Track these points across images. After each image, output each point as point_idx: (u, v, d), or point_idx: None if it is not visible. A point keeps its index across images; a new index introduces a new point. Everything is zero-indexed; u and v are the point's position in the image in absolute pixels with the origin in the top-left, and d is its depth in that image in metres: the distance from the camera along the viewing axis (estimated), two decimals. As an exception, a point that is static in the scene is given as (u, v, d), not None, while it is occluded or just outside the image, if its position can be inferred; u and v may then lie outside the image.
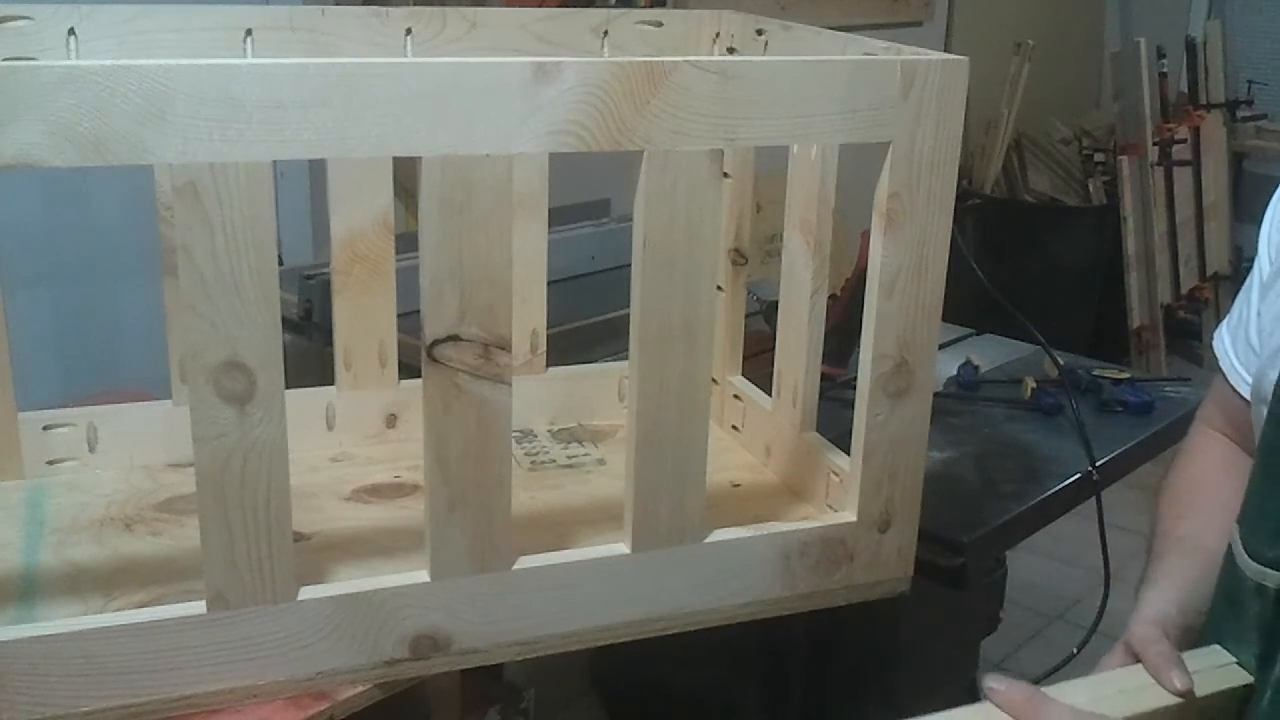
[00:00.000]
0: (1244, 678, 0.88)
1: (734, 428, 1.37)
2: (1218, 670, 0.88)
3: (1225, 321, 1.03)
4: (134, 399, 1.26)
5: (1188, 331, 4.20)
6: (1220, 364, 1.03)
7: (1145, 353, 3.97)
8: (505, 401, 0.94)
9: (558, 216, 1.56)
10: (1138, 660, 0.89)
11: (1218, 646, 0.90)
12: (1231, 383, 1.01)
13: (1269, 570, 0.84)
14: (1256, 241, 1.00)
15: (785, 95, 0.95)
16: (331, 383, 1.29)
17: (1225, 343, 1.03)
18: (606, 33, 1.27)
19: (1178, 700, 0.85)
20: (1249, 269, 1.02)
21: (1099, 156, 4.13)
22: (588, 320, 1.90)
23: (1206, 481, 1.03)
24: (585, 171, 1.55)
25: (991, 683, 0.83)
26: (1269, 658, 0.85)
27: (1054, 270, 3.84)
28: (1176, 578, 0.96)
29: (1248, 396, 0.98)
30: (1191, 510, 1.02)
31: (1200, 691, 0.86)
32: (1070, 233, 4.00)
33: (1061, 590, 2.69)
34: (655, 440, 1.00)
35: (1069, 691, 0.84)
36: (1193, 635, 0.92)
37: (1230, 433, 1.05)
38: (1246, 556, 0.86)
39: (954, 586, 1.30)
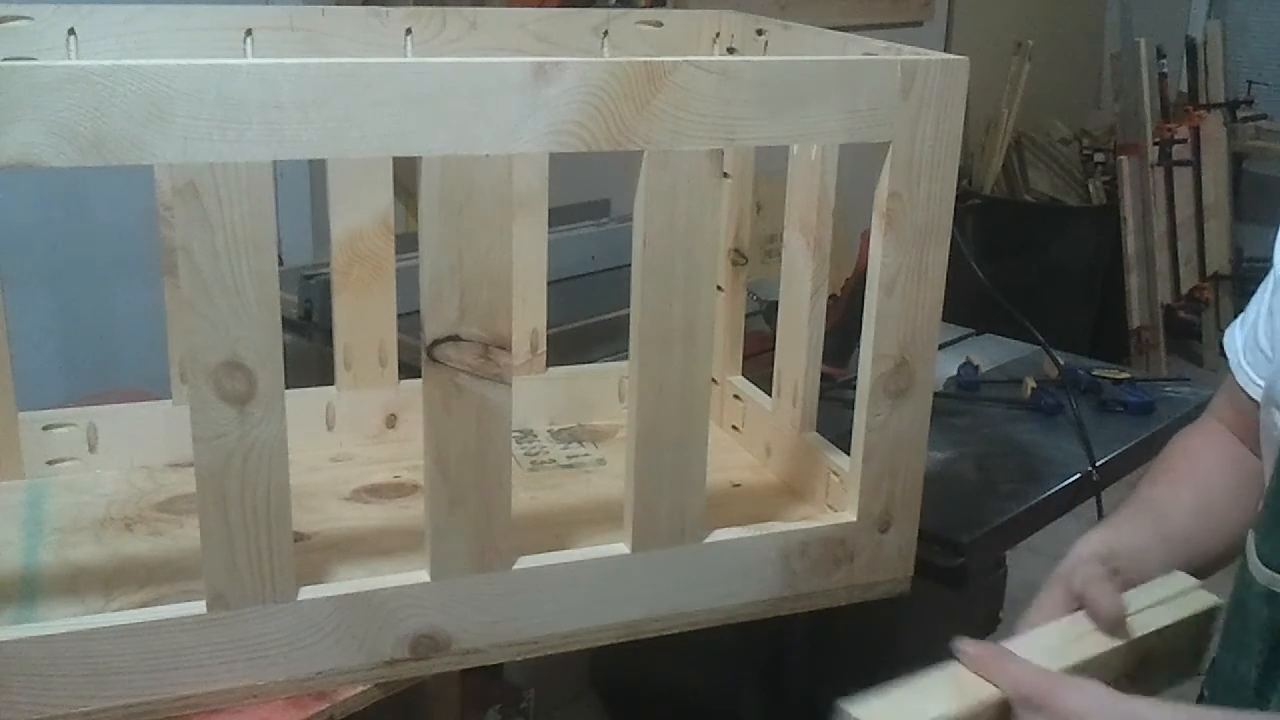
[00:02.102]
0: (1208, 600, 0.89)
1: (734, 428, 1.37)
2: (1184, 597, 0.89)
3: (1239, 319, 1.03)
4: (134, 399, 1.26)
5: (1188, 331, 4.20)
6: (1229, 363, 1.03)
7: (1145, 353, 3.97)
8: (505, 401, 0.94)
9: (558, 216, 1.56)
10: (1076, 598, 0.90)
11: (1179, 572, 0.91)
12: (1240, 382, 1.01)
13: None
14: (1273, 242, 0.98)
15: (785, 95, 0.95)
16: (331, 383, 1.29)
17: (1236, 343, 1.02)
18: (606, 33, 1.27)
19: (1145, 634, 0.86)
20: (1249, 269, 1.02)
21: (1099, 156, 4.13)
22: (588, 320, 1.90)
23: (1194, 457, 1.05)
24: (585, 171, 1.55)
25: (961, 644, 0.83)
26: (1273, 666, 0.85)
27: (1054, 270, 3.84)
28: (1123, 529, 0.98)
29: (1255, 397, 0.98)
30: (1165, 477, 1.03)
31: (1167, 620, 0.87)
32: (1070, 233, 3.99)
33: (1061, 590, 2.68)
34: (655, 440, 1.00)
35: (1034, 644, 0.85)
36: (1123, 585, 0.94)
37: (1238, 429, 1.04)
38: (1259, 562, 0.86)
39: (954, 586, 1.30)
